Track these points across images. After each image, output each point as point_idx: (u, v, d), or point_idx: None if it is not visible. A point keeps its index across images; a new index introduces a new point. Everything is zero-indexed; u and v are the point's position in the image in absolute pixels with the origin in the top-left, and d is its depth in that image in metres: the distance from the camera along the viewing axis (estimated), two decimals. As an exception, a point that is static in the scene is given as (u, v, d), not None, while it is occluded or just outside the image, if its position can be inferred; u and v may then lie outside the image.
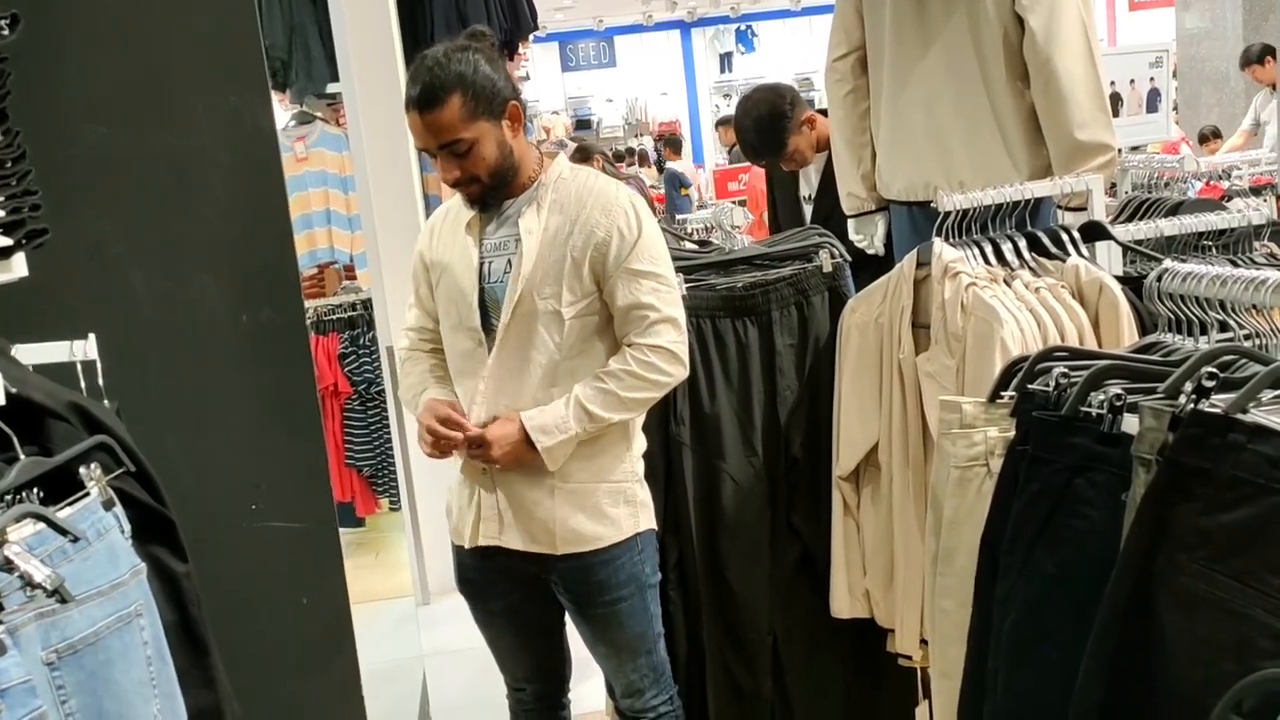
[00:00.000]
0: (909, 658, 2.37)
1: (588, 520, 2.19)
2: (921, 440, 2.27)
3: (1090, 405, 1.26)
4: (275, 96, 4.95)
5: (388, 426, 4.85)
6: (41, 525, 1.17)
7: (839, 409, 2.43)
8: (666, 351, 2.13)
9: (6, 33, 1.43)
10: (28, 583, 1.08)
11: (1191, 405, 1.05)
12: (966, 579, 1.46)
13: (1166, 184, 2.91)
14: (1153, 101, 3.43)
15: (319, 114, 4.96)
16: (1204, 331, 1.40)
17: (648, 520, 2.27)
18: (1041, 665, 1.27)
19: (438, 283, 2.26)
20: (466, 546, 2.28)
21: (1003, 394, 1.50)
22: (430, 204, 4.86)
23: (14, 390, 1.31)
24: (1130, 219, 2.79)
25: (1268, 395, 1.09)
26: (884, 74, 2.88)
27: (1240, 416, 0.99)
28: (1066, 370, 1.35)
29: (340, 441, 4.86)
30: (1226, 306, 1.33)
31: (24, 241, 1.43)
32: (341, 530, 4.98)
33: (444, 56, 2.08)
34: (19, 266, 1.46)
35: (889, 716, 2.59)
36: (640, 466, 2.27)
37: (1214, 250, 2.48)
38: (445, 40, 2.17)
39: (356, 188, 4.73)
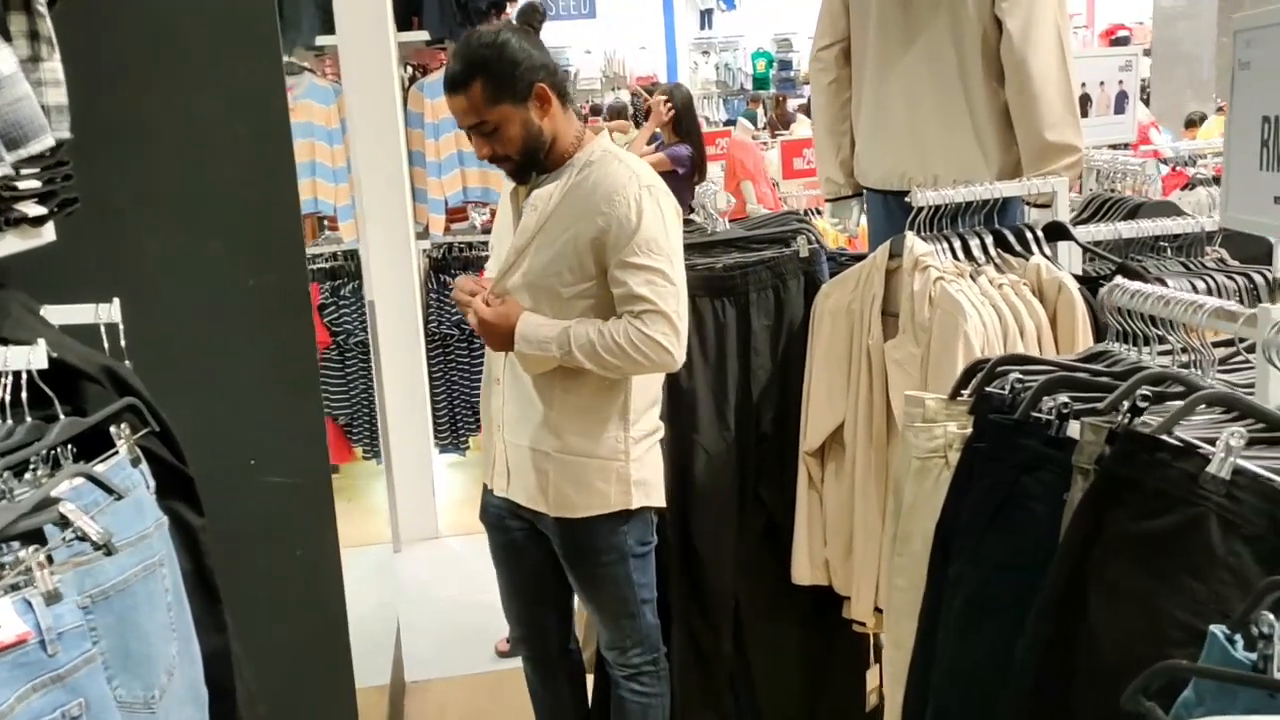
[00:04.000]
0: (863, 624, 2.51)
1: (577, 491, 2.32)
2: (885, 422, 2.40)
3: (1041, 410, 1.39)
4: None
5: (364, 377, 4.94)
6: (79, 480, 1.27)
7: (809, 389, 2.55)
8: (654, 342, 2.19)
9: (42, 9, 1.51)
10: (80, 537, 1.19)
11: (1126, 422, 1.18)
12: (920, 560, 1.60)
13: (1124, 176, 3.05)
14: (1120, 103, 3.57)
15: (307, 65, 4.99)
16: (1147, 343, 1.54)
17: (642, 499, 2.37)
18: (985, 642, 1.41)
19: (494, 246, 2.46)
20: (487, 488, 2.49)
21: (963, 392, 1.63)
22: (414, 160, 4.93)
23: (54, 355, 1.41)
24: (1092, 216, 2.93)
25: (1206, 415, 1.23)
26: (867, 66, 2.98)
27: (1166, 437, 1.13)
28: (1021, 376, 1.49)
29: (317, 390, 4.94)
30: (1167, 323, 1.46)
31: (56, 210, 1.52)
32: (317, 477, 5.06)
33: (474, 41, 2.21)
34: (48, 233, 1.55)
35: (842, 678, 2.74)
36: (641, 449, 2.36)
37: (1169, 252, 2.63)
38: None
39: (343, 140, 4.79)
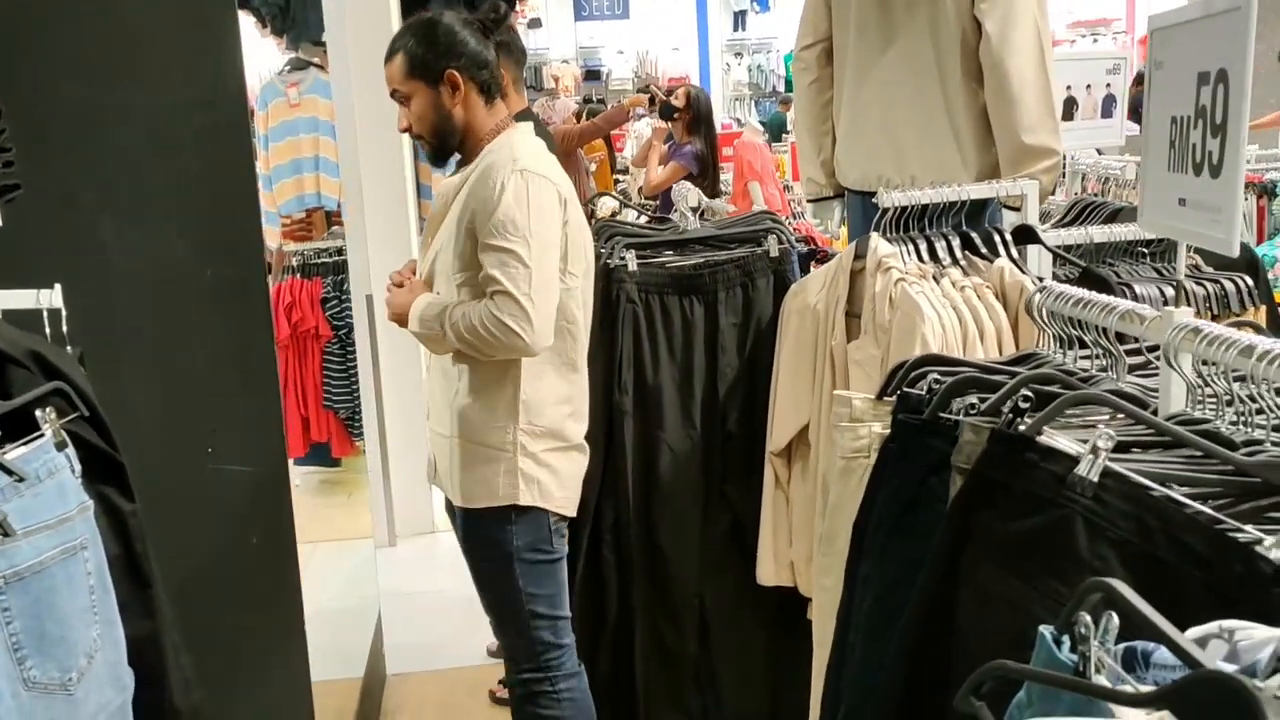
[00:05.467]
0: (825, 626, 2.50)
1: (469, 479, 2.32)
2: (848, 423, 2.39)
3: (951, 411, 1.38)
4: (272, 41, 5.03)
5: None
6: (-9, 462, 1.29)
7: (775, 388, 2.54)
8: (501, 323, 2.13)
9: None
10: (-22, 518, 1.21)
11: (1006, 423, 1.17)
12: (844, 560, 1.59)
13: (1106, 180, 3.03)
14: (1107, 107, 3.53)
15: (314, 60, 5.02)
16: (1071, 346, 1.52)
17: (534, 498, 2.30)
18: (891, 643, 1.40)
19: None
20: None
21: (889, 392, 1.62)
22: (419, 156, 4.95)
23: (-26, 339, 1.43)
24: (1075, 220, 2.90)
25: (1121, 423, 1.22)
26: (847, 66, 2.96)
27: (1037, 438, 1.12)
28: (939, 376, 1.47)
29: (319, 383, 4.98)
30: (1087, 326, 1.45)
31: (-4, 196, 1.55)
32: (317, 469, 5.10)
33: (415, 20, 2.33)
34: (-9, 218, 1.57)
35: (806, 679, 2.73)
36: (538, 446, 2.31)
37: (1146, 257, 2.60)
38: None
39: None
